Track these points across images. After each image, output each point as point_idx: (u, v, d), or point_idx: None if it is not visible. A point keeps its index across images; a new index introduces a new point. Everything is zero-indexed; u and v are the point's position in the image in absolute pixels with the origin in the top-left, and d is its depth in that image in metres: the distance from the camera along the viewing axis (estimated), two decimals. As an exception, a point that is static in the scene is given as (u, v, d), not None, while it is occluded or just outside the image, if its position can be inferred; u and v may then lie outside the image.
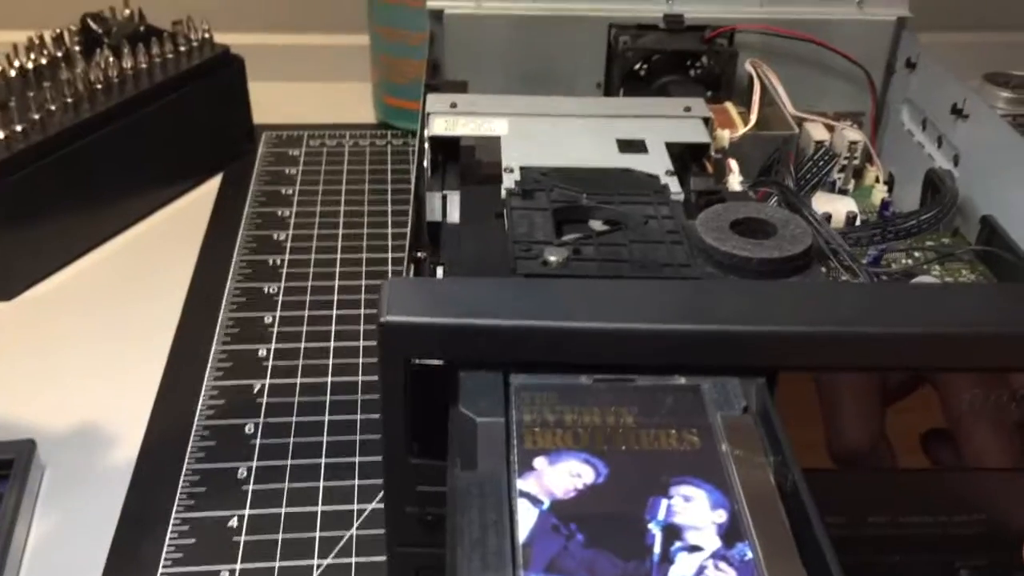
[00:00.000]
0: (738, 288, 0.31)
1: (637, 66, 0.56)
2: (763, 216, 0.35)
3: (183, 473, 0.42)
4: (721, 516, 0.24)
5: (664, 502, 0.24)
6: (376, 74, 0.70)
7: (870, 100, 0.58)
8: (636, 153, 0.43)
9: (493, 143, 0.43)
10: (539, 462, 0.26)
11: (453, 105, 0.45)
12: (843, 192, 0.55)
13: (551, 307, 0.29)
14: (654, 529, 0.24)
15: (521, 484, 0.25)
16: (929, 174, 0.49)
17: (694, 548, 0.23)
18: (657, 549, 0.23)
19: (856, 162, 0.56)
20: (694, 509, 0.24)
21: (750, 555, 0.23)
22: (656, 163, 0.42)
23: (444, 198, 0.41)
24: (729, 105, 0.53)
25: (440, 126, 0.44)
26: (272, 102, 0.69)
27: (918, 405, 0.31)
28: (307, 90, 0.74)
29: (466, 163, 0.43)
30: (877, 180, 0.56)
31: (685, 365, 0.29)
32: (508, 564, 0.23)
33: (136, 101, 0.57)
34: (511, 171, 0.41)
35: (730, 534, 0.24)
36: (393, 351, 0.30)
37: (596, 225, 0.38)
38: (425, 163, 0.44)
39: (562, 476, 0.25)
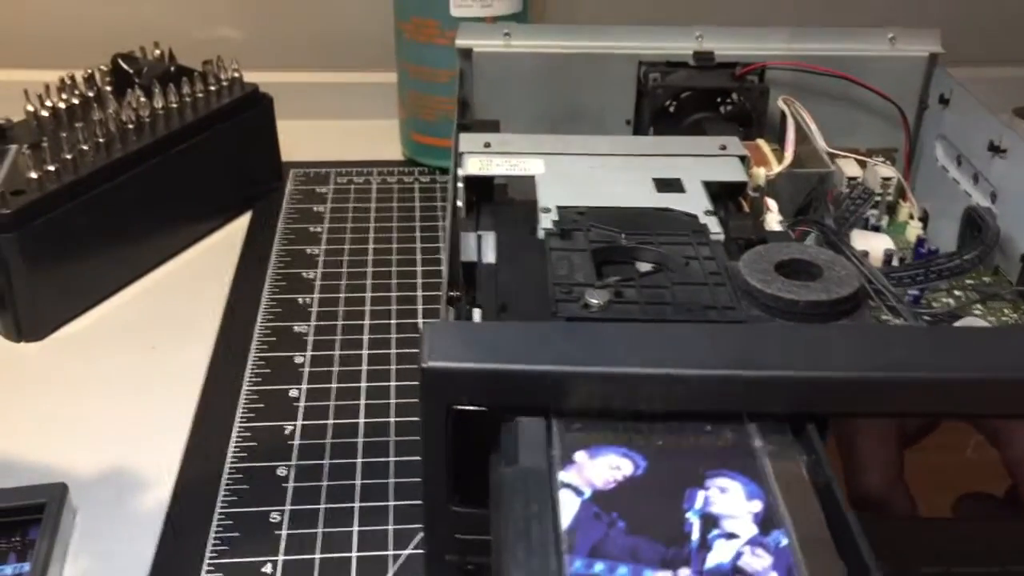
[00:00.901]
0: (788, 332, 0.31)
1: (667, 103, 0.55)
2: (808, 257, 0.34)
3: (216, 517, 0.41)
4: (756, 506, 0.25)
5: (701, 493, 0.25)
6: (403, 111, 0.71)
7: (903, 136, 0.57)
8: (674, 192, 0.42)
9: (528, 183, 0.43)
10: (579, 456, 0.26)
11: (487, 145, 0.45)
12: (876, 229, 0.54)
13: (597, 352, 0.29)
14: (692, 518, 0.25)
15: (563, 476, 0.26)
16: (969, 212, 0.48)
17: (731, 535, 0.24)
18: (695, 536, 0.24)
19: (889, 198, 0.55)
20: (730, 500, 0.25)
21: (785, 542, 0.24)
22: (694, 202, 0.41)
23: (479, 238, 0.41)
24: (762, 142, 0.52)
25: (475, 166, 0.44)
26: (299, 139, 0.70)
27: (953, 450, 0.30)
28: (334, 127, 0.75)
29: (501, 203, 0.43)
30: (911, 216, 0.56)
31: (734, 412, 0.28)
32: (552, 549, 0.24)
33: (167, 141, 0.57)
34: (548, 211, 0.41)
35: (766, 522, 0.24)
36: (436, 396, 0.29)
37: (636, 266, 0.37)
38: (459, 203, 0.43)
39: (602, 469, 0.26)
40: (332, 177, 0.69)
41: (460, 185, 0.43)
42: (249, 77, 0.63)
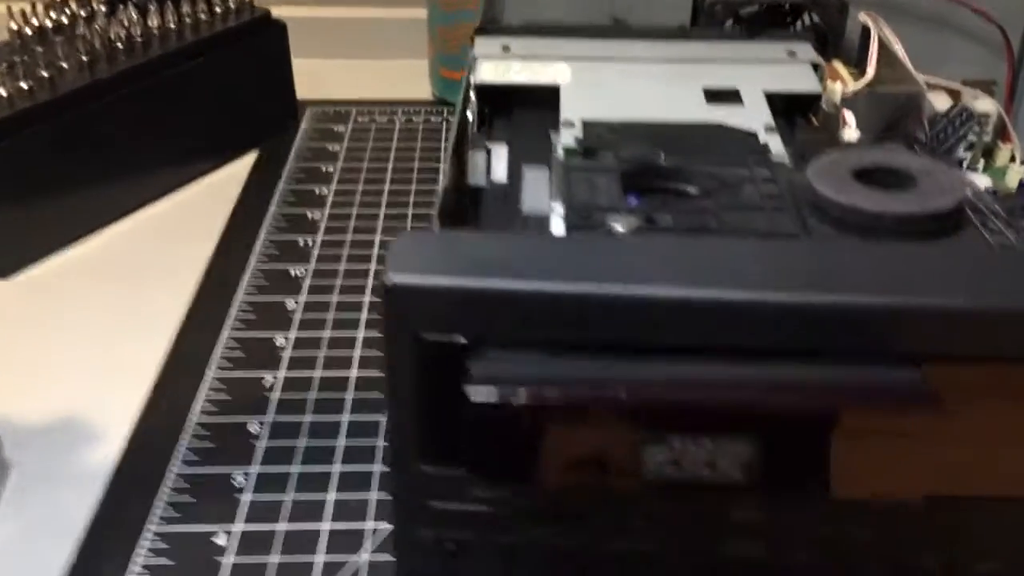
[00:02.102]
0: (871, 250, 0.23)
1: (727, 22, 0.48)
2: (898, 164, 0.26)
3: (170, 477, 0.35)
4: None
5: None
6: (432, 48, 0.64)
7: (1005, 65, 0.49)
8: (728, 104, 0.35)
9: (552, 93, 0.36)
10: None
11: (506, 48, 0.38)
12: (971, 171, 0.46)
13: (615, 268, 0.22)
14: None
15: None
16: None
17: None
18: None
19: (987, 139, 0.47)
20: None
21: None
22: (753, 117, 0.34)
23: (488, 153, 0.34)
24: (838, 64, 0.44)
25: (488, 72, 0.37)
26: (321, 78, 0.63)
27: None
28: (360, 66, 0.68)
29: (518, 116, 0.36)
30: (1012, 159, 0.47)
31: (796, 350, 0.21)
32: None
33: (161, 63, 0.51)
34: (571, 125, 0.34)
35: None
36: (400, 322, 0.23)
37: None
38: (469, 115, 0.36)
39: None
40: (353, 116, 0.62)
41: (471, 95, 0.37)
42: (275, 12, 0.57)
